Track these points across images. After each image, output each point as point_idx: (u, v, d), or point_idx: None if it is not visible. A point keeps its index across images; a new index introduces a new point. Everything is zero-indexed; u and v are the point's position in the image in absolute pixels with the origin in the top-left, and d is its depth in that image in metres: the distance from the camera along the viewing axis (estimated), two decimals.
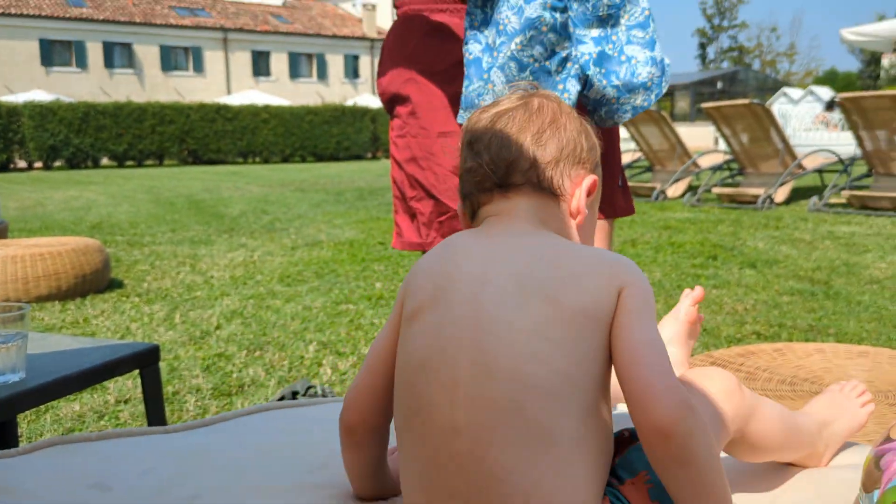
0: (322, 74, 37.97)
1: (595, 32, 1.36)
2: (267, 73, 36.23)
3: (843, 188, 7.57)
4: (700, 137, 21.14)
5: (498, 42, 1.31)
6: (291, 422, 1.37)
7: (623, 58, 1.36)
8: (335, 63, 38.43)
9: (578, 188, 0.98)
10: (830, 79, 52.28)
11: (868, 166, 7.53)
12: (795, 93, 20.45)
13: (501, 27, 1.31)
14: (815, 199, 7.40)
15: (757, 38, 64.77)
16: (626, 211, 1.59)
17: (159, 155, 21.95)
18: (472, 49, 1.35)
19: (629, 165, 10.65)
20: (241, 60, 35.37)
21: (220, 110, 22.40)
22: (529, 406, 0.81)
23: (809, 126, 17.36)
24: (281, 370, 2.75)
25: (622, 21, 1.37)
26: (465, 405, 0.82)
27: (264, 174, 15.76)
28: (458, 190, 1.03)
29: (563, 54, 1.35)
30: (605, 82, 1.36)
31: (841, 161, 8.43)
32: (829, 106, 17.69)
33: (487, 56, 1.33)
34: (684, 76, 38.95)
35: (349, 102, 27.37)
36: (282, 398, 2.31)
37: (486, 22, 1.34)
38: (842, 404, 1.17)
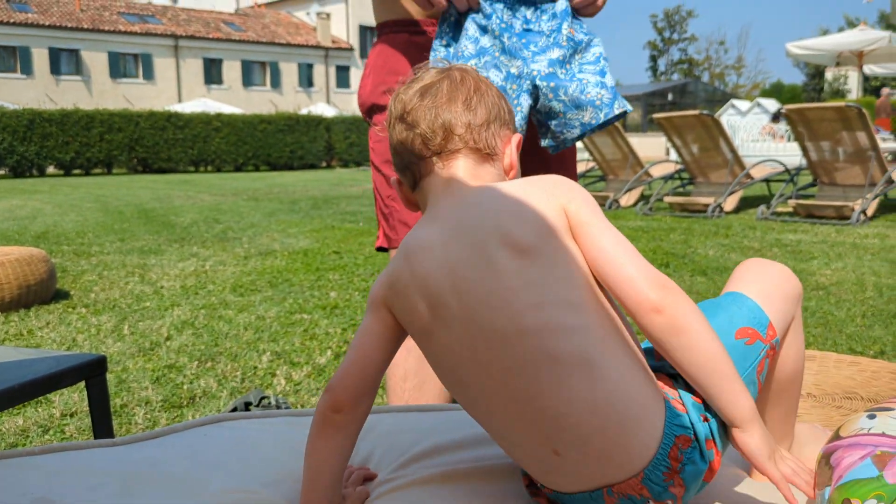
0: (276, 83, 37.72)
1: (554, 54, 1.48)
2: (219, 80, 35.86)
3: (790, 197, 7.74)
4: (652, 148, 21.47)
5: None
6: (244, 433, 1.35)
7: (574, 79, 1.48)
8: (289, 72, 38.20)
9: (508, 146, 1.09)
10: (776, 91, 53.46)
11: (813, 176, 7.71)
12: (743, 105, 20.86)
13: (460, 53, 1.49)
14: (762, 207, 7.55)
15: (706, 51, 66.05)
16: None
17: (107, 163, 21.48)
18: None
19: (583, 175, 10.76)
20: (193, 68, 34.95)
21: (171, 118, 22.05)
22: (549, 339, 0.92)
23: (757, 137, 17.71)
24: (233, 381, 2.70)
25: (576, 58, 1.50)
26: (495, 366, 0.94)
27: (216, 183, 15.58)
28: (394, 164, 1.11)
29: (516, 72, 1.47)
30: (551, 95, 1.47)
31: (787, 171, 8.62)
32: (776, 117, 18.08)
33: None
34: (636, 88, 39.55)
35: (303, 111, 27.20)
36: (234, 409, 2.27)
37: (450, 59, 1.50)
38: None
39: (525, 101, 1.48)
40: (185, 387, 2.64)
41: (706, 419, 0.96)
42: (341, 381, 1.02)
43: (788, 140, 16.69)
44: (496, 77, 1.47)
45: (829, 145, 7.28)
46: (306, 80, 38.85)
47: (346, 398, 1.02)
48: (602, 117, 1.48)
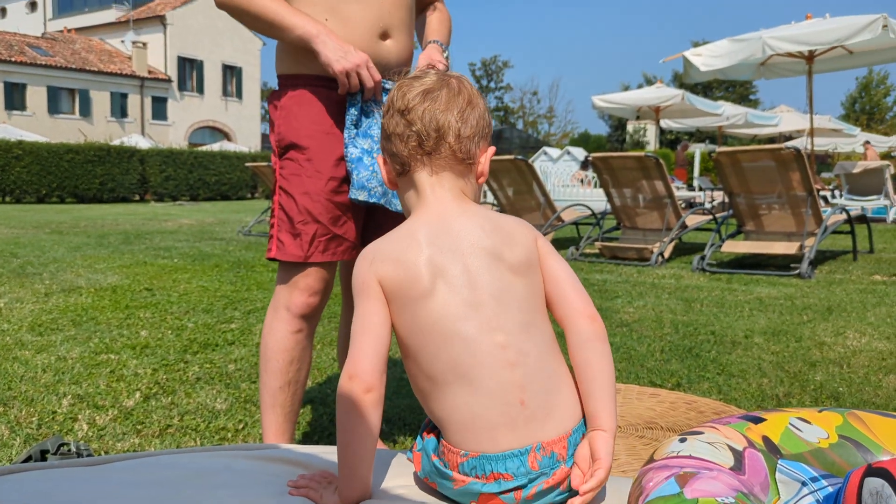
0: (85, 111, 35.74)
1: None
2: (22, 106, 33.53)
3: (596, 239, 8.23)
4: None
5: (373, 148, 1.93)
6: (36, 486, 1.26)
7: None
8: (101, 100, 36.33)
9: (484, 155, 1.31)
10: (584, 140, 56.87)
11: (617, 220, 8.24)
12: (554, 152, 22.02)
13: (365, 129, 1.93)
14: (572, 249, 7.96)
15: (520, 101, 69.02)
16: None
17: None
18: (353, 152, 1.89)
19: None
20: None
21: None
22: (538, 321, 1.23)
23: (567, 182, 18.72)
24: (29, 427, 2.50)
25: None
26: (500, 329, 1.18)
27: (15, 215, 14.46)
28: (385, 149, 1.32)
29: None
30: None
31: (594, 214, 9.15)
32: (584, 165, 19.18)
33: (367, 157, 1.90)
34: None
35: (116, 142, 25.88)
36: (28, 458, 2.10)
37: (360, 136, 1.91)
38: None
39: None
40: None
41: None
42: (363, 364, 1.17)
43: (595, 186, 17.76)
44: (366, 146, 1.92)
45: (630, 192, 7.82)
46: (119, 109, 37.09)
47: (373, 377, 1.16)
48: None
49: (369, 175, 1.89)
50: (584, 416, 1.22)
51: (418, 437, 1.32)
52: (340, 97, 1.93)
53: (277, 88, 2.03)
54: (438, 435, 1.27)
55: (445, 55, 2.07)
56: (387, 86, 1.93)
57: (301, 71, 1.95)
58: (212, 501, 1.17)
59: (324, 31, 1.83)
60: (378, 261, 1.22)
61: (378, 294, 1.21)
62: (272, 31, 1.88)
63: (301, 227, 1.92)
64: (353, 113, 1.90)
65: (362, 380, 1.16)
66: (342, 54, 1.81)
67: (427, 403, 1.24)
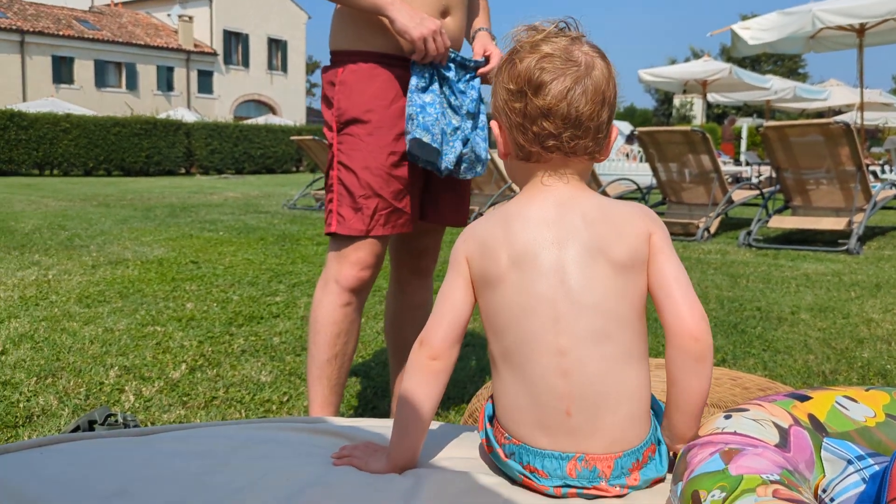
0: (132, 85, 36.24)
1: (472, 116, 2.04)
2: (70, 80, 34.10)
3: None
4: None
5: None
6: (89, 455, 1.28)
7: (480, 138, 2.05)
8: (147, 74, 36.79)
9: (610, 136, 1.23)
10: (630, 115, 56.12)
11: (662, 195, 8.13)
12: None
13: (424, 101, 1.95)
14: None
15: None
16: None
17: None
18: (417, 100, 1.92)
19: None
20: (41, 66, 33.07)
21: (14, 117, 20.65)
22: (614, 331, 1.14)
23: (613, 157, 18.50)
24: (77, 398, 2.57)
25: (480, 120, 2.04)
26: (566, 333, 1.13)
27: (63, 188, 14.76)
28: (509, 125, 1.20)
29: (456, 124, 1.99)
30: (469, 150, 2.03)
31: (639, 189, 9.05)
32: (630, 139, 18.95)
33: (430, 108, 1.93)
34: None
35: (162, 115, 26.24)
36: (76, 428, 2.16)
37: (425, 90, 1.95)
38: None
39: (458, 146, 1.99)
40: (20, 405, 2.48)
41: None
42: (436, 332, 1.20)
43: (641, 161, 17.54)
44: (444, 122, 1.96)
45: (676, 166, 7.70)
46: (166, 83, 37.52)
47: (442, 346, 1.19)
48: (480, 171, 2.06)
49: (433, 121, 1.92)
50: (644, 440, 1.17)
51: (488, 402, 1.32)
52: (400, 74, 1.97)
53: (331, 65, 2.04)
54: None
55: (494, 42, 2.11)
56: (453, 57, 1.98)
57: (361, 47, 1.98)
58: (256, 472, 1.19)
59: (402, 4, 1.87)
60: (469, 239, 1.23)
61: (464, 270, 1.22)
62: (357, 2, 1.91)
63: (363, 201, 1.95)
64: (420, 79, 1.93)
65: (431, 346, 1.19)
66: (418, 21, 1.85)
67: (493, 378, 1.24)
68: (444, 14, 1.98)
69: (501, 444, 1.20)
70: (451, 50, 1.94)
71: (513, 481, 1.20)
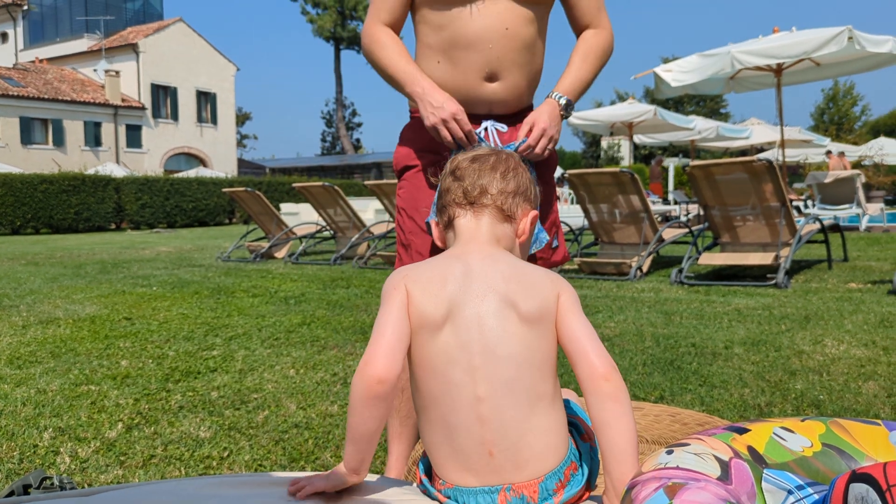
0: (59, 141, 35.44)
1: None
2: None
3: (575, 255, 8.27)
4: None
5: None
6: None
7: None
8: (74, 130, 36.05)
9: (526, 217, 1.46)
10: (559, 157, 57.02)
11: (594, 235, 8.29)
12: None
13: None
14: None
15: None
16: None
17: None
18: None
19: (312, 235, 10.99)
20: None
21: None
22: (525, 378, 1.26)
23: None
24: (10, 462, 2.47)
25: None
26: (483, 382, 1.25)
27: None
28: (437, 208, 1.49)
29: None
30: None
31: (572, 231, 9.20)
32: (560, 181, 19.27)
33: None
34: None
35: (90, 171, 25.71)
36: (10, 493, 2.08)
37: None
38: None
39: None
40: None
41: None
42: (380, 356, 1.24)
43: (572, 203, 17.85)
44: None
45: (607, 207, 7.87)
46: (93, 138, 36.81)
47: (386, 371, 1.23)
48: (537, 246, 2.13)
49: None
50: (562, 462, 1.29)
51: (422, 456, 1.42)
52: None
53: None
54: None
55: (563, 113, 1.99)
56: (486, 127, 2.00)
57: (413, 106, 2.13)
58: None
59: (427, 90, 1.93)
60: (410, 281, 1.32)
61: (404, 301, 1.29)
62: (393, 83, 2.00)
63: (411, 237, 2.07)
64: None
65: (375, 369, 1.23)
66: (433, 109, 1.91)
67: (419, 425, 1.33)
68: (491, 79, 1.97)
69: (439, 490, 1.30)
70: (488, 121, 2.00)
71: None
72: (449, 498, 1.29)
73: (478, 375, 1.25)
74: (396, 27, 2.05)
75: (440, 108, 1.91)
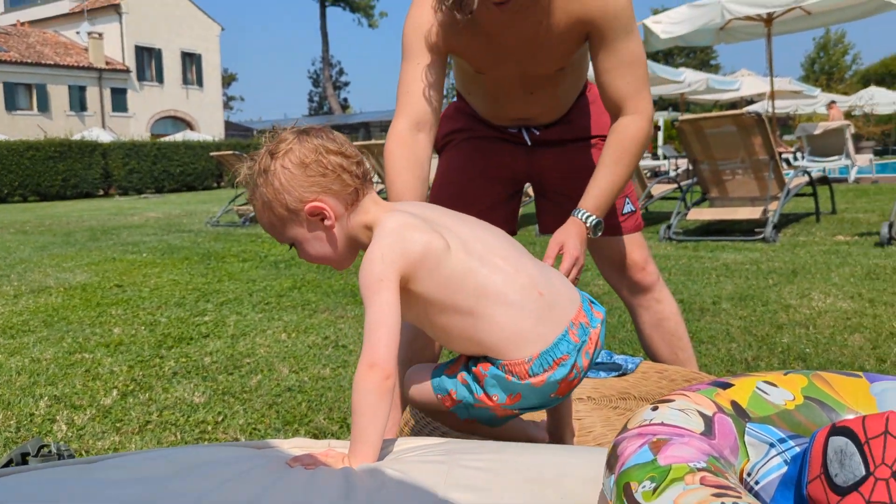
0: (43, 106, 35.05)
1: None
2: None
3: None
4: None
5: None
6: (23, 488, 1.26)
7: None
8: (59, 94, 35.64)
9: (315, 202, 1.41)
10: None
11: None
12: None
13: None
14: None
15: None
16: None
17: None
18: None
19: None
20: None
21: None
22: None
23: None
24: (7, 431, 2.50)
25: None
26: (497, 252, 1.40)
27: None
28: (329, 193, 1.44)
29: None
30: None
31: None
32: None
33: None
34: None
35: (76, 137, 25.47)
36: (9, 462, 2.10)
37: None
38: None
39: None
40: None
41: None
42: (384, 355, 1.24)
43: None
44: None
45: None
46: (78, 103, 36.42)
47: (390, 366, 1.24)
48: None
49: None
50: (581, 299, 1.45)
51: (452, 384, 1.43)
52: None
53: None
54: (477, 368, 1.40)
55: (591, 235, 1.79)
56: (520, 128, 2.11)
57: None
58: (200, 491, 1.19)
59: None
60: (393, 253, 1.32)
61: (396, 286, 1.29)
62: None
63: None
64: None
65: (382, 368, 1.24)
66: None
67: (475, 339, 1.36)
68: (527, 117, 2.07)
69: (528, 371, 1.34)
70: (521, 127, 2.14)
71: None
72: (541, 370, 1.33)
73: (489, 250, 1.39)
74: (425, 122, 1.80)
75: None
